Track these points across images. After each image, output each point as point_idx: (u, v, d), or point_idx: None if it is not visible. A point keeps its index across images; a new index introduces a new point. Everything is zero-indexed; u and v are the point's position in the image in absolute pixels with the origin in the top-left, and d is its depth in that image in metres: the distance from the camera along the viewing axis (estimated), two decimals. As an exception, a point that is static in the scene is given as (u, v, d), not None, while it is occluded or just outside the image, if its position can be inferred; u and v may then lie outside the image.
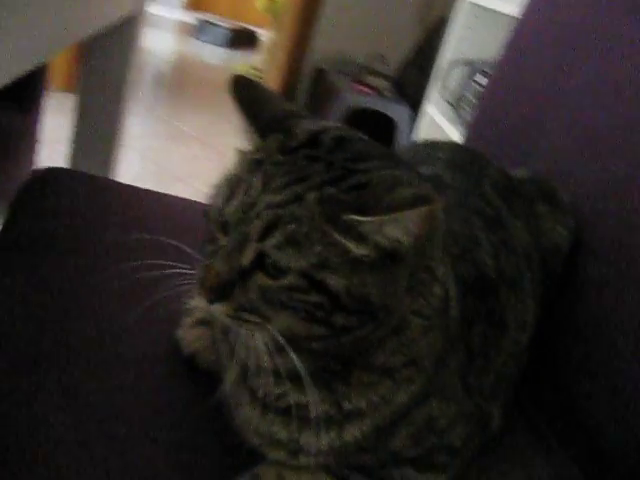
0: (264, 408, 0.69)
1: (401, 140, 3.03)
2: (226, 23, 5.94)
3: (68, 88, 2.98)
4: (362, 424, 0.67)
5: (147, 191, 1.21)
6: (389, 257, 0.59)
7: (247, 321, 0.61)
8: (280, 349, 0.62)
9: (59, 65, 3.17)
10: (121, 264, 0.85)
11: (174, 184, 2.81)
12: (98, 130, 1.56)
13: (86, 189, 1.13)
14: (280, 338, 0.61)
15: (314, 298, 0.58)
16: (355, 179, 0.59)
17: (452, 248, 0.76)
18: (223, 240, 0.62)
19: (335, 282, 0.57)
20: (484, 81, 2.34)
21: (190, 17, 6.10)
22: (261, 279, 0.59)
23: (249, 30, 6.17)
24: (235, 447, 0.71)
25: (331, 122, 0.69)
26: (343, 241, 0.57)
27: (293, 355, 0.61)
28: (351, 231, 0.57)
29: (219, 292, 0.61)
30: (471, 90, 2.44)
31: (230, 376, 0.73)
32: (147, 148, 3.05)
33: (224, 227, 0.62)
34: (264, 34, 5.05)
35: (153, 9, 4.25)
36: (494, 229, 0.85)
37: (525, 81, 1.28)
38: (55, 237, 0.97)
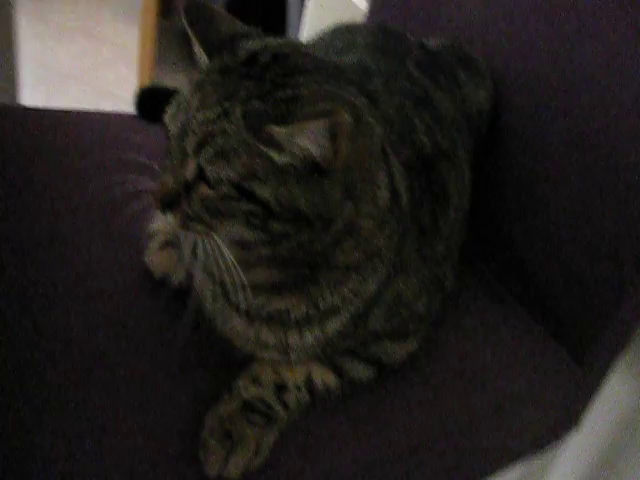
0: (249, 318, 0.75)
1: (293, 7, 2.94)
2: None
3: None
4: (340, 317, 0.74)
5: (70, 112, 1.19)
6: (315, 170, 0.62)
7: (196, 230, 0.66)
8: (243, 262, 0.67)
9: None
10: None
11: (67, 84, 2.70)
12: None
13: (8, 123, 1.10)
14: (222, 244, 0.66)
15: (246, 206, 0.62)
16: (283, 93, 0.62)
17: (391, 135, 0.80)
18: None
19: (263, 191, 0.61)
20: None
21: None
22: (203, 190, 0.63)
23: None
24: (229, 354, 0.78)
25: (280, 39, 0.71)
26: (266, 150, 0.61)
27: (231, 260, 0.66)
28: (272, 141, 0.60)
29: (167, 202, 0.65)
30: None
31: (208, 294, 0.78)
32: (29, 51, 2.88)
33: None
34: None
35: None
36: (424, 107, 0.89)
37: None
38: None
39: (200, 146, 0.62)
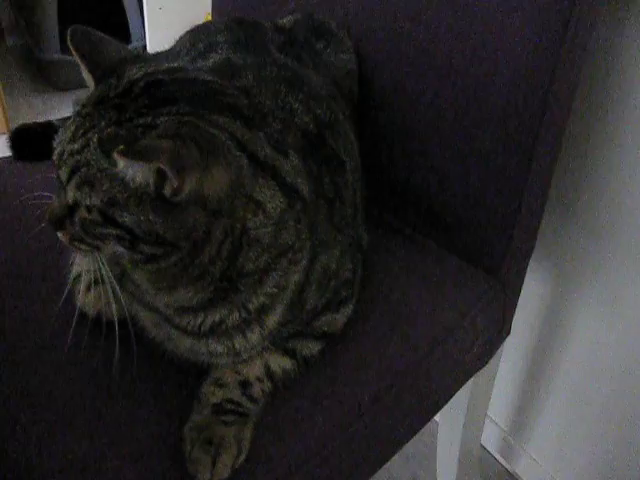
0: (196, 336, 0.79)
1: (131, 12, 2.88)
2: None
3: None
4: (275, 311, 0.79)
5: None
6: (167, 201, 0.64)
7: (81, 249, 0.72)
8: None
9: None
10: None
11: None
12: None
13: None
14: (101, 264, 0.73)
15: (113, 231, 0.67)
16: (142, 120, 0.66)
17: (275, 125, 0.83)
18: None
19: (124, 218, 0.66)
20: None
21: None
22: (81, 214, 0.68)
23: None
24: (185, 369, 0.83)
25: (166, 64, 0.74)
26: (117, 172, 0.64)
27: (108, 278, 0.74)
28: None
29: (55, 224, 0.72)
30: None
31: (148, 323, 0.82)
32: None
33: None
34: None
35: None
36: (297, 88, 0.93)
37: None
38: None
39: (70, 176, 0.67)
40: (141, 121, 0.66)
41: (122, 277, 0.80)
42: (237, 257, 0.72)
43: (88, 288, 0.87)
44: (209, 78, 0.75)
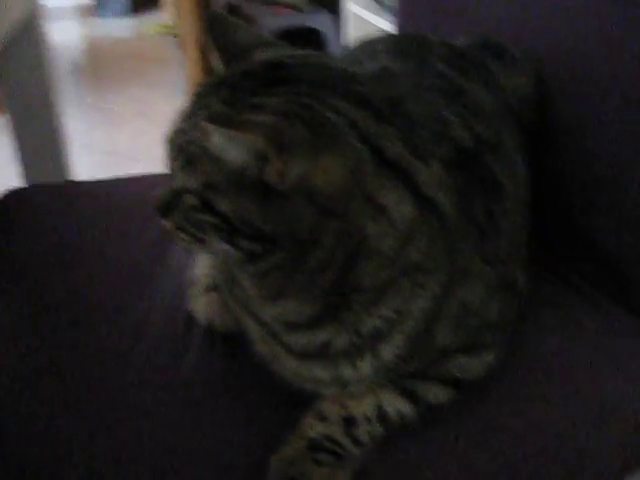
0: (299, 357, 0.70)
1: (335, 49, 2.96)
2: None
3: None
4: (393, 340, 0.67)
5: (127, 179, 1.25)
6: (269, 188, 0.57)
7: (182, 240, 0.65)
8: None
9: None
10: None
11: (132, 167, 2.76)
12: (40, 139, 1.52)
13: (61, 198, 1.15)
14: (214, 255, 0.71)
15: (211, 219, 0.60)
16: (253, 99, 0.60)
17: (424, 134, 0.74)
18: None
19: (222, 204, 0.59)
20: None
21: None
22: (186, 199, 0.61)
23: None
24: (290, 393, 0.73)
25: (301, 50, 0.70)
26: (214, 149, 0.57)
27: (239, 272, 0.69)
28: None
29: (161, 210, 0.66)
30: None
31: (257, 337, 0.74)
32: (90, 140, 2.98)
33: None
34: (163, -11, 4.84)
35: (47, 1, 4.09)
36: (457, 100, 0.83)
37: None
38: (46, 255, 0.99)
39: (176, 156, 0.62)
40: (253, 100, 0.60)
41: (232, 283, 0.74)
42: (351, 268, 0.62)
43: (203, 293, 0.83)
44: (342, 66, 0.68)
